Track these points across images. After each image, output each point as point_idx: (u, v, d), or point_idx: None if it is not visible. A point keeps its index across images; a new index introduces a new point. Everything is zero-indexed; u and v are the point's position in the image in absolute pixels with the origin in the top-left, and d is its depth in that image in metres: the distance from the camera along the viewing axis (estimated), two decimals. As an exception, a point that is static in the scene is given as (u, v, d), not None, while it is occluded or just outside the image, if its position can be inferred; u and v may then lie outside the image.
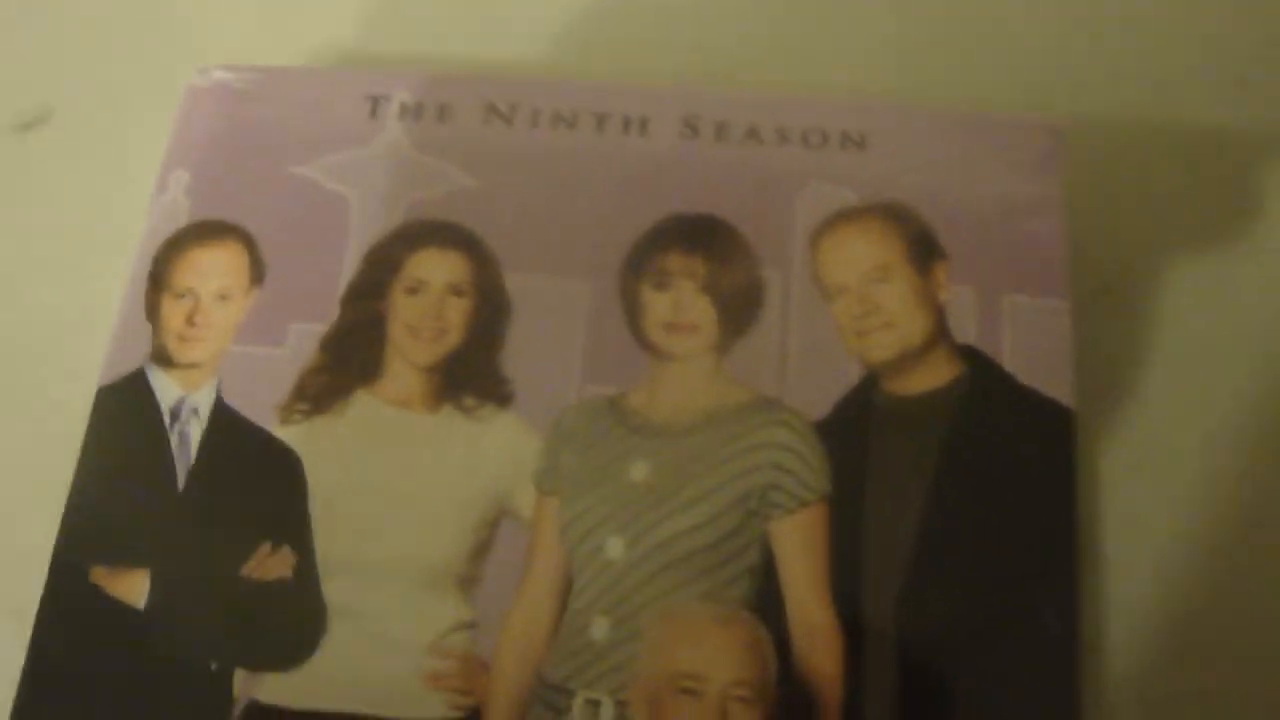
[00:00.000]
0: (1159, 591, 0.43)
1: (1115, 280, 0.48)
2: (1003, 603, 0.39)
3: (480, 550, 0.40)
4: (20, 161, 0.54)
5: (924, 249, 0.42)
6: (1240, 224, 0.50)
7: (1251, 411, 0.46)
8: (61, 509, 0.42)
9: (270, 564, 0.40)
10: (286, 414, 0.42)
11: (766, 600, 0.39)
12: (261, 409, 0.42)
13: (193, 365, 0.42)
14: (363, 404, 0.42)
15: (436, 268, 0.43)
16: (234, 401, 0.42)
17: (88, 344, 0.45)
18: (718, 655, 0.38)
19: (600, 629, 0.39)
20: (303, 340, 0.42)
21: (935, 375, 0.41)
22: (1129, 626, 0.42)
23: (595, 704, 0.38)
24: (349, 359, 0.42)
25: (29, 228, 0.51)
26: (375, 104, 0.45)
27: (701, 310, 0.42)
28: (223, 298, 0.43)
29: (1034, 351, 0.41)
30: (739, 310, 0.42)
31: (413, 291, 0.43)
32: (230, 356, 0.42)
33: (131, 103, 0.53)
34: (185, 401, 0.42)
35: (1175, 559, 0.44)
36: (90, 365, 0.44)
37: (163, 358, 0.43)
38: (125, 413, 0.42)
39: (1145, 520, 0.44)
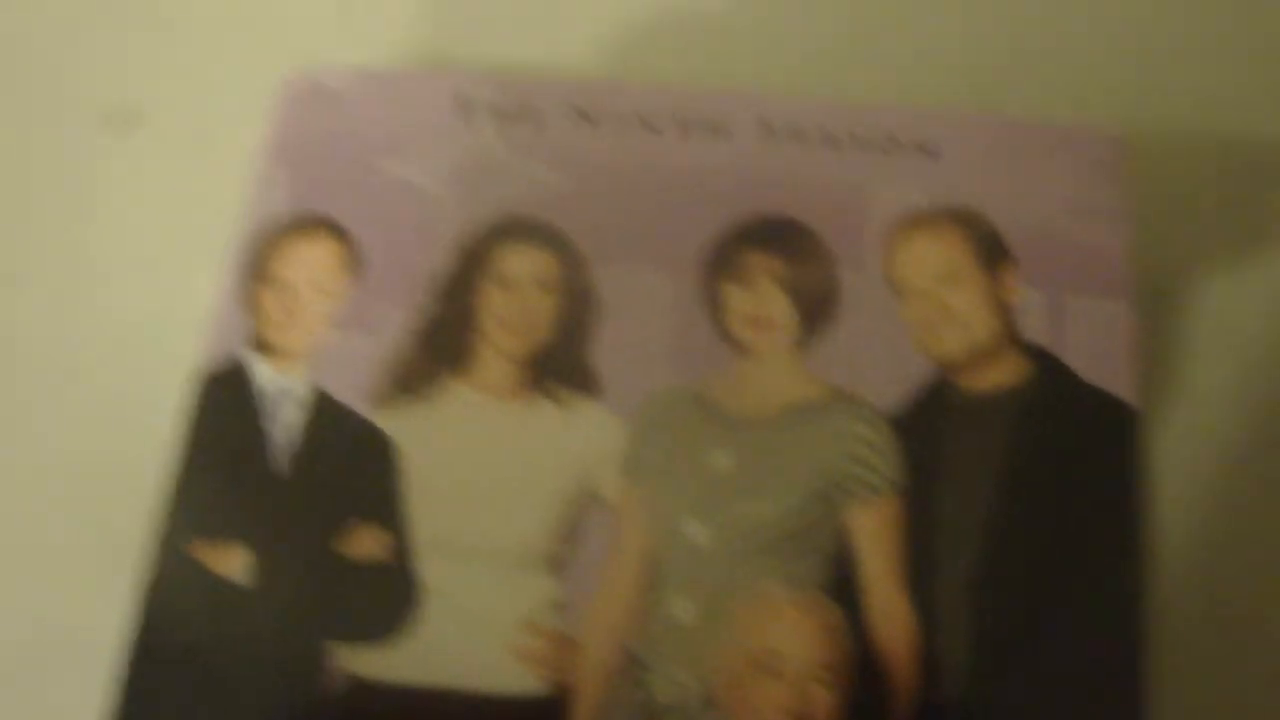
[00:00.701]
0: (1211, 586, 0.45)
1: (1168, 286, 0.50)
2: (1070, 596, 0.41)
3: (568, 533, 0.42)
4: (112, 161, 0.56)
5: (992, 252, 0.44)
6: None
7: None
8: (149, 500, 0.44)
9: (366, 543, 0.42)
10: (381, 401, 0.43)
11: (844, 587, 0.41)
12: (356, 396, 0.43)
13: (289, 353, 0.44)
14: (454, 392, 0.44)
15: (526, 264, 0.45)
16: (330, 388, 0.44)
17: (179, 340, 0.47)
18: (798, 637, 0.40)
19: (684, 610, 0.41)
20: (396, 331, 0.44)
21: (1005, 374, 0.43)
22: (1184, 623, 0.44)
23: (680, 682, 0.40)
24: (441, 349, 0.44)
25: (122, 226, 0.53)
26: (465, 105, 0.47)
27: (781, 307, 0.44)
28: (319, 289, 0.45)
29: (1099, 352, 0.43)
30: (816, 308, 0.44)
31: (503, 286, 0.44)
32: (327, 345, 0.44)
33: (220, 103, 0.55)
34: (283, 388, 0.44)
35: (1228, 555, 0.46)
36: (183, 360, 0.47)
37: (261, 345, 0.44)
38: (224, 398, 0.44)
39: (1198, 518, 0.46)
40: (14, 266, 0.53)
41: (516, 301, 0.44)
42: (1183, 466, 0.45)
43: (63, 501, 0.47)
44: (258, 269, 0.45)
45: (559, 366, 0.44)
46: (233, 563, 0.42)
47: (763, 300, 0.44)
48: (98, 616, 0.43)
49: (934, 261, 0.44)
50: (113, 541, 0.44)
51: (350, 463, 0.43)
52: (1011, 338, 0.43)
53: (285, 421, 0.44)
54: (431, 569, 0.41)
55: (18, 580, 0.46)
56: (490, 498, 0.42)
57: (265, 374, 0.44)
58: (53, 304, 0.52)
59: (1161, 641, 0.41)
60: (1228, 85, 0.52)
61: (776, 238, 0.44)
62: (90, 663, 0.42)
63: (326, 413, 0.44)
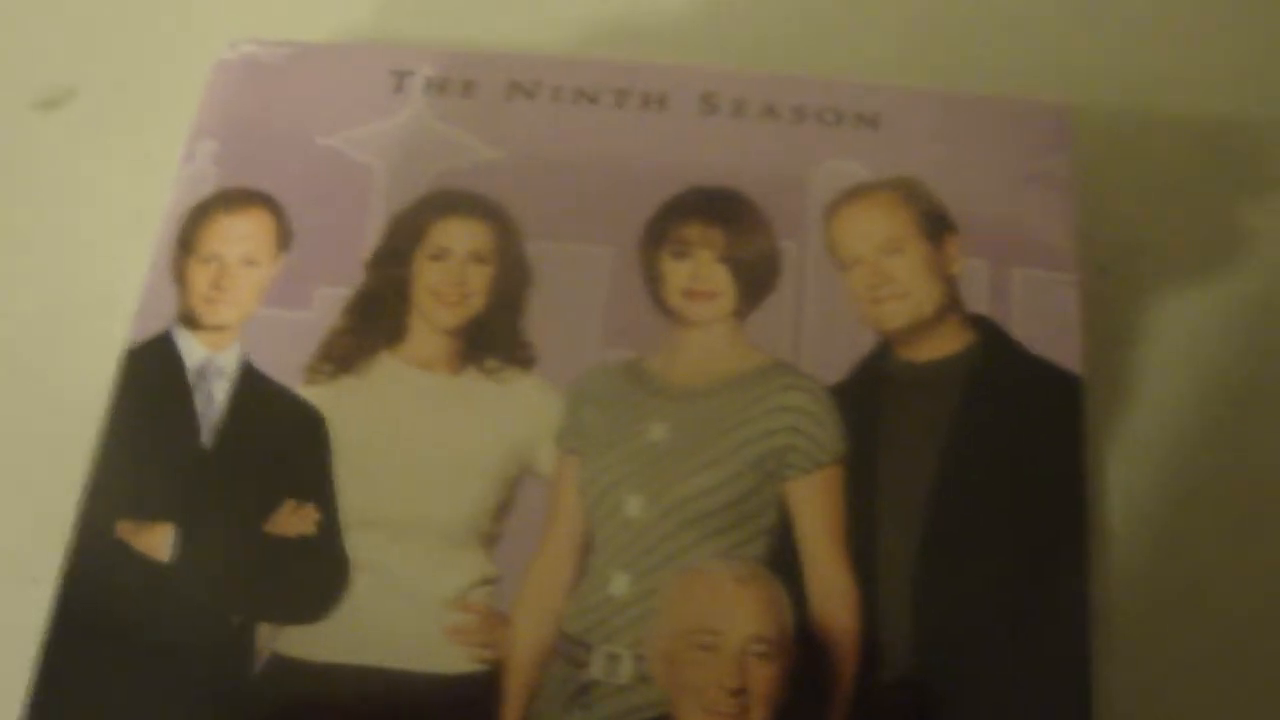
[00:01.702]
0: (1156, 560, 0.44)
1: (1114, 263, 0.49)
2: (1014, 565, 0.40)
3: (502, 508, 0.41)
4: (44, 140, 0.55)
5: (935, 223, 0.44)
6: (1240, 212, 0.51)
7: (1247, 394, 0.48)
8: (82, 477, 0.43)
9: (294, 520, 0.41)
10: (312, 374, 0.42)
11: (784, 559, 0.40)
12: (287, 370, 0.43)
13: (219, 327, 0.43)
14: (387, 365, 0.43)
15: (460, 235, 0.44)
16: (260, 363, 0.43)
17: (110, 315, 0.46)
18: (736, 611, 0.39)
19: (620, 585, 0.40)
20: (328, 304, 0.43)
21: (947, 343, 0.42)
22: (1130, 593, 0.43)
23: (615, 658, 0.39)
24: (373, 322, 0.43)
25: (53, 204, 0.52)
26: (400, 79, 0.47)
27: (720, 278, 0.43)
28: (249, 263, 0.44)
29: (1043, 322, 0.43)
30: (756, 279, 0.43)
31: (436, 258, 0.44)
32: (257, 319, 0.43)
33: (153, 82, 0.54)
34: (211, 362, 0.43)
35: (1172, 529, 0.45)
36: (113, 336, 0.46)
37: (189, 320, 0.43)
38: (151, 373, 0.43)
39: (1144, 493, 0.45)
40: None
41: (450, 273, 0.43)
42: (1127, 439, 0.45)
43: None
44: (187, 243, 0.44)
45: (493, 339, 0.43)
46: (158, 541, 0.41)
47: (701, 271, 0.43)
48: (22, 599, 0.42)
49: (876, 232, 0.44)
50: (39, 524, 0.43)
51: (279, 438, 0.42)
52: (954, 308, 0.43)
53: (213, 397, 0.42)
54: (361, 545, 0.40)
55: None
56: (422, 472, 0.41)
57: (193, 349, 0.43)
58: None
59: (1105, 616, 0.41)
60: (1177, 61, 0.52)
61: (715, 208, 0.44)
62: (14, 646, 0.41)
63: (255, 387, 0.43)
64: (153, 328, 0.44)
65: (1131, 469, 0.45)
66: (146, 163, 0.51)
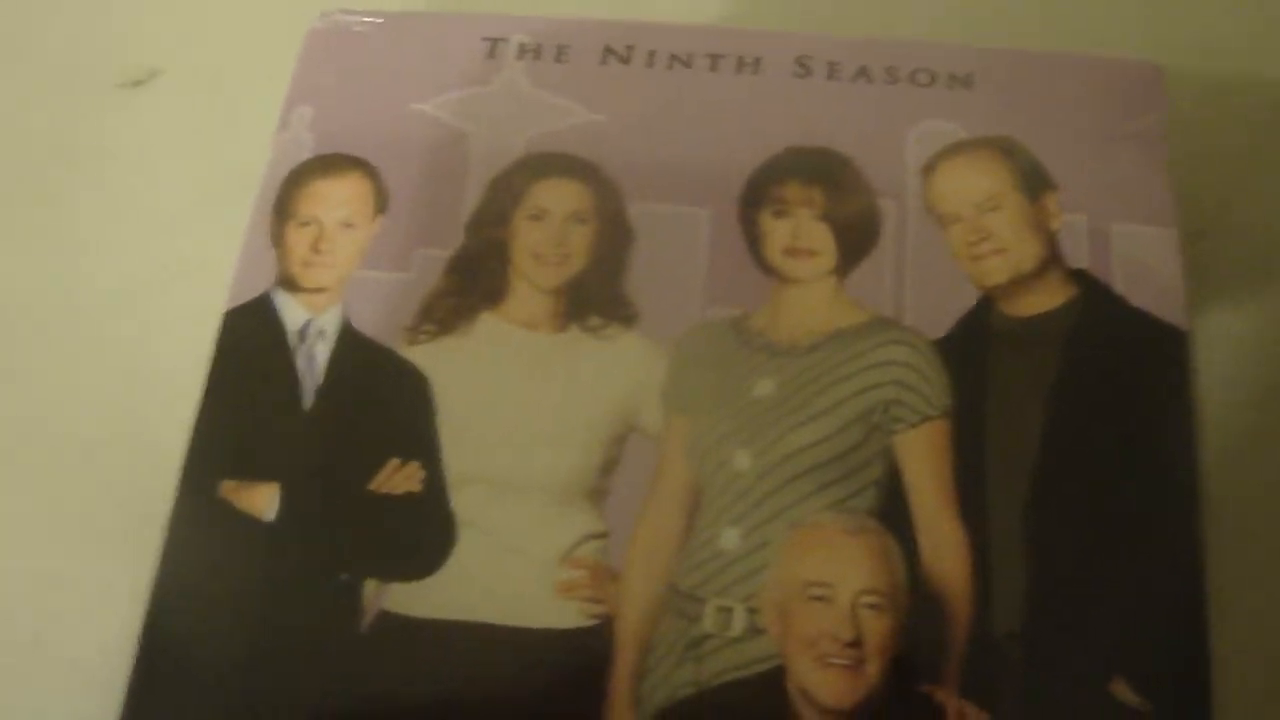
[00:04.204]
0: (1260, 505, 0.44)
1: (1212, 226, 0.49)
2: (1123, 516, 0.40)
3: (609, 465, 0.41)
4: (131, 117, 0.55)
5: (1033, 179, 0.44)
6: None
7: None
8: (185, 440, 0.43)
9: (399, 479, 0.41)
10: (413, 335, 0.43)
11: (893, 512, 0.40)
12: (388, 331, 0.43)
13: (318, 289, 0.44)
14: (488, 325, 0.43)
15: (559, 196, 0.44)
16: (360, 324, 0.43)
17: (204, 283, 0.47)
18: (847, 563, 0.39)
19: (730, 539, 0.40)
20: (428, 265, 0.44)
21: (1049, 297, 0.42)
22: (1238, 541, 0.43)
23: (727, 611, 0.39)
24: (474, 282, 0.43)
25: (144, 178, 0.53)
26: (493, 45, 0.47)
27: (820, 236, 0.43)
28: (347, 225, 0.44)
29: (1144, 276, 0.42)
30: (856, 236, 0.43)
31: (535, 219, 0.44)
32: (356, 281, 0.43)
33: (236, 59, 0.55)
34: (311, 324, 0.43)
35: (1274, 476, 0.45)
36: (209, 303, 0.46)
37: (288, 282, 0.44)
38: (252, 335, 0.43)
39: (1245, 439, 0.45)
40: (40, 220, 0.53)
41: (549, 234, 0.43)
42: (1228, 389, 0.44)
43: (93, 450, 0.46)
44: (285, 207, 0.45)
45: (595, 297, 0.43)
46: (262, 501, 0.41)
47: (801, 230, 0.43)
48: (129, 561, 0.42)
49: (974, 189, 0.43)
50: (142, 492, 0.43)
51: (381, 398, 0.42)
52: (1055, 263, 0.43)
53: (314, 358, 0.43)
54: (468, 504, 0.40)
55: (48, 535, 0.45)
56: (528, 430, 0.41)
57: (293, 311, 0.43)
58: (77, 257, 0.51)
59: (1217, 564, 0.41)
60: (1271, 25, 0.52)
61: (814, 168, 0.44)
62: (123, 608, 0.41)
63: (356, 348, 0.43)
64: (251, 291, 0.44)
65: (1235, 422, 0.45)
66: (234, 136, 0.52)
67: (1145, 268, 0.43)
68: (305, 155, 0.45)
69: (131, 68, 0.55)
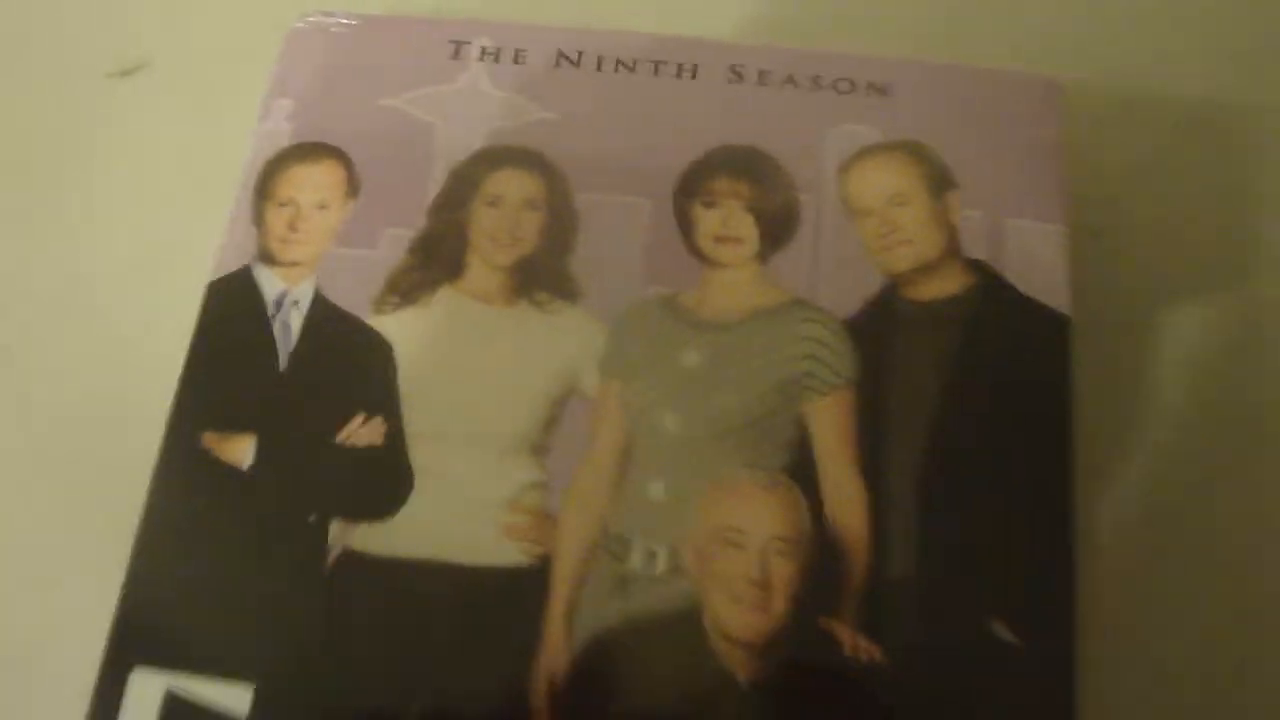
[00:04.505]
0: (1136, 481, 0.49)
1: (1105, 228, 0.54)
2: (1006, 481, 0.45)
3: (550, 423, 0.46)
4: (123, 105, 0.60)
5: (938, 179, 0.49)
6: (1224, 189, 0.57)
7: (1224, 340, 0.53)
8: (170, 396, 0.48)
9: (363, 432, 0.46)
10: (379, 306, 0.47)
11: (803, 470, 0.45)
12: (357, 302, 0.47)
13: (294, 264, 0.48)
14: (447, 298, 0.47)
15: (513, 185, 0.49)
16: (332, 295, 0.48)
17: (189, 259, 0.51)
18: (760, 513, 0.44)
19: (656, 490, 0.44)
20: (394, 244, 0.48)
21: (948, 284, 0.47)
22: (1114, 514, 0.48)
23: (652, 553, 0.44)
24: (435, 260, 0.48)
25: (137, 162, 0.57)
26: (458, 48, 0.52)
27: (745, 226, 0.48)
28: (321, 207, 0.49)
29: (1034, 267, 0.47)
30: (777, 226, 0.48)
31: (491, 205, 0.49)
32: (329, 257, 0.48)
33: (220, 54, 0.60)
34: (287, 294, 0.48)
35: (1153, 459, 0.50)
36: (194, 278, 0.50)
37: (267, 257, 0.48)
38: (232, 303, 0.48)
39: (1120, 423, 0.50)
40: (32, 204, 0.57)
41: (504, 219, 0.48)
42: (1110, 377, 0.50)
43: (86, 406, 0.51)
44: (265, 189, 0.49)
45: (543, 275, 0.48)
46: (239, 451, 0.45)
47: (729, 220, 0.48)
48: (116, 505, 0.46)
49: (885, 186, 0.49)
50: (131, 437, 0.48)
51: (349, 361, 0.47)
52: (954, 253, 0.48)
53: (289, 324, 0.47)
54: (424, 455, 0.45)
55: (45, 481, 0.50)
56: (479, 391, 0.46)
57: (271, 282, 0.48)
58: (70, 235, 0.56)
59: (1089, 529, 0.46)
60: (1169, 42, 0.58)
61: (741, 164, 0.49)
62: (109, 549, 0.45)
63: (327, 316, 0.47)
64: (233, 264, 0.48)
65: (1116, 404, 0.50)
66: (218, 124, 0.56)
67: (1035, 260, 0.48)
68: (284, 143, 0.50)
69: (121, 58, 0.60)
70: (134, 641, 0.43)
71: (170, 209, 0.55)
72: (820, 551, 0.43)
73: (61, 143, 0.59)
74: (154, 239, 0.55)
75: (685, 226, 0.48)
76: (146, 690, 0.43)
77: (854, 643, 0.42)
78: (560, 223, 0.48)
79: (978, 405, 0.46)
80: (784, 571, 0.43)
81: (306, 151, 0.50)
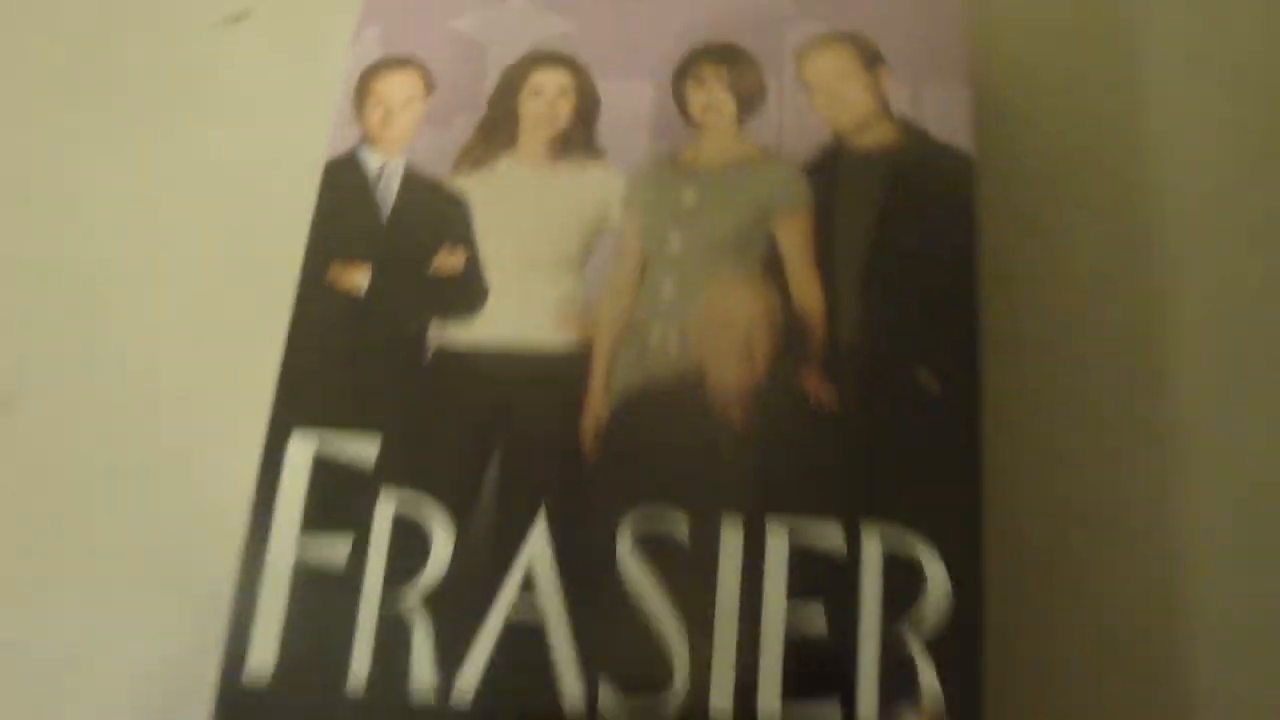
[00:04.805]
0: (1030, 281, 0.64)
1: (1007, 89, 0.70)
2: (924, 268, 0.59)
3: (587, 248, 0.61)
4: (230, 49, 0.76)
5: (871, 59, 0.64)
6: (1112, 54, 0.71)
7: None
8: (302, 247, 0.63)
9: (449, 261, 0.61)
10: (455, 170, 0.63)
11: (774, 271, 0.60)
12: (438, 169, 0.63)
13: (389, 146, 0.64)
14: (505, 163, 0.63)
15: (550, 79, 0.64)
16: (418, 166, 0.63)
17: (302, 159, 0.67)
18: (746, 303, 0.59)
19: (668, 289, 0.60)
20: (463, 127, 0.64)
21: (880, 136, 0.63)
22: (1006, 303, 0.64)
23: (665, 334, 0.59)
24: (494, 136, 0.64)
25: (248, 91, 0.74)
26: (503, -17, 0.68)
27: (726, 100, 0.63)
28: (406, 103, 0.65)
29: (945, 121, 0.63)
30: (751, 99, 0.64)
31: (535, 94, 0.64)
32: (416, 138, 0.64)
33: (310, 3, 0.76)
34: (385, 166, 0.63)
35: (1045, 266, 0.65)
36: (305, 170, 0.66)
37: (368, 140, 0.64)
38: (345, 174, 0.63)
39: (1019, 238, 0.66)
40: (162, 128, 0.73)
41: (545, 105, 0.64)
42: (1007, 202, 0.65)
43: (231, 266, 0.68)
44: (363, 91, 0.65)
45: (576, 143, 0.63)
46: (356, 280, 0.61)
47: (713, 96, 0.64)
48: (265, 328, 0.62)
49: (831, 66, 0.64)
50: (275, 278, 0.63)
51: (434, 211, 0.62)
52: (885, 113, 0.63)
53: (389, 188, 0.63)
54: (494, 275, 0.61)
55: (218, 302, 0.67)
56: (533, 227, 0.62)
57: (372, 159, 0.64)
58: (200, 148, 0.72)
59: (985, 303, 0.61)
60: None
61: (722, 54, 0.64)
62: (263, 361, 0.61)
63: (415, 181, 0.63)
64: (342, 148, 0.64)
65: (1008, 222, 0.66)
66: (310, 61, 0.72)
67: (946, 115, 0.63)
68: (375, 58, 0.66)
69: (226, 8, 0.76)
70: (290, 411, 0.59)
71: (274, 126, 0.71)
72: (788, 327, 0.59)
73: (180, 81, 0.75)
74: (271, 146, 0.71)
75: (681, 102, 0.64)
76: (300, 450, 0.59)
77: (816, 387, 0.58)
78: (586, 104, 0.64)
79: (903, 220, 0.61)
80: (763, 342, 0.58)
81: (393, 63, 0.66)
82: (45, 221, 0.73)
